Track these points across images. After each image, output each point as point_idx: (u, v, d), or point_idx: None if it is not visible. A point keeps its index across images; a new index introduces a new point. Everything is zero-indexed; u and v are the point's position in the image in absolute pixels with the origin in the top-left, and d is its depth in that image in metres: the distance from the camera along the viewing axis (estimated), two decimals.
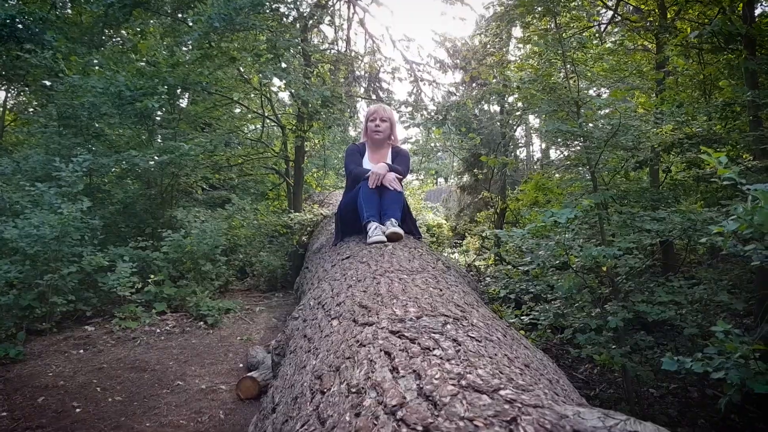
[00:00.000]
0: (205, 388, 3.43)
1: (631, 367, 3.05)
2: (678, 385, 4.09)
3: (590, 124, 3.26)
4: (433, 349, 1.14)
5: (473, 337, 1.27)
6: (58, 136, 5.34)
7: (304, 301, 2.45)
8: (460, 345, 1.18)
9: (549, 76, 3.32)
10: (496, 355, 1.18)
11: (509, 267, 5.06)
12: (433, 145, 11.15)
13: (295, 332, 2.14)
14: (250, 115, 8.50)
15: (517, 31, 9.48)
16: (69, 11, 8.33)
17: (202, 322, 4.70)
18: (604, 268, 2.97)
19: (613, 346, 3.18)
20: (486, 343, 1.26)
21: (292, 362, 1.75)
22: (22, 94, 8.93)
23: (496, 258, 7.17)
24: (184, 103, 7.59)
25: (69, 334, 4.31)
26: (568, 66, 3.29)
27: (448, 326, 1.34)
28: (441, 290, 1.95)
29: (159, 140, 5.95)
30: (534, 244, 2.91)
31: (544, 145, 15.28)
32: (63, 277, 4.32)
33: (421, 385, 0.93)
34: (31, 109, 8.41)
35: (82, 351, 4.01)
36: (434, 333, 1.27)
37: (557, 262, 2.96)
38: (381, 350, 1.19)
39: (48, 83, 6.18)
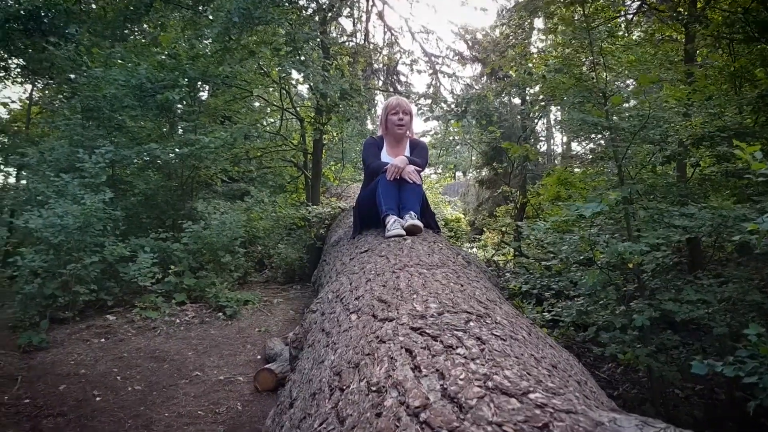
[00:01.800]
0: (223, 379, 3.44)
1: (657, 367, 2.96)
2: (704, 386, 3.98)
3: (616, 117, 3.16)
4: (457, 347, 1.09)
5: (498, 336, 1.22)
6: (81, 128, 5.39)
7: (321, 295, 2.42)
8: (484, 343, 1.13)
9: (576, 65, 3.22)
10: (522, 354, 1.13)
11: (530, 261, 4.96)
12: (451, 138, 11.02)
13: (313, 325, 2.11)
14: (269, 109, 8.51)
15: (539, 23, 9.33)
16: (93, 6, 8.41)
17: (221, 313, 4.72)
18: (631, 265, 2.88)
19: (638, 345, 3.09)
20: (511, 341, 1.21)
21: (310, 356, 1.72)
22: (47, 87, 9.05)
23: (516, 252, 7.07)
24: (204, 95, 7.65)
25: (91, 323, 4.36)
26: (596, 56, 3.19)
27: (471, 323, 1.29)
28: (462, 286, 1.90)
29: (180, 132, 5.98)
30: (558, 238, 2.84)
31: (565, 139, 15.06)
32: (85, 267, 4.37)
33: (445, 386, 0.89)
34: (57, 102, 8.52)
35: (103, 340, 4.06)
36: (457, 330, 1.22)
37: (581, 257, 2.88)
38: (402, 347, 1.15)
39: (72, 76, 6.25)
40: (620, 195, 2.67)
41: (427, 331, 1.23)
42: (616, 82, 3.49)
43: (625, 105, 3.67)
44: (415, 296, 1.64)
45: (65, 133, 5.50)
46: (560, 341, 3.57)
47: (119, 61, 5.55)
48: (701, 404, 3.73)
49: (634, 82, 4.11)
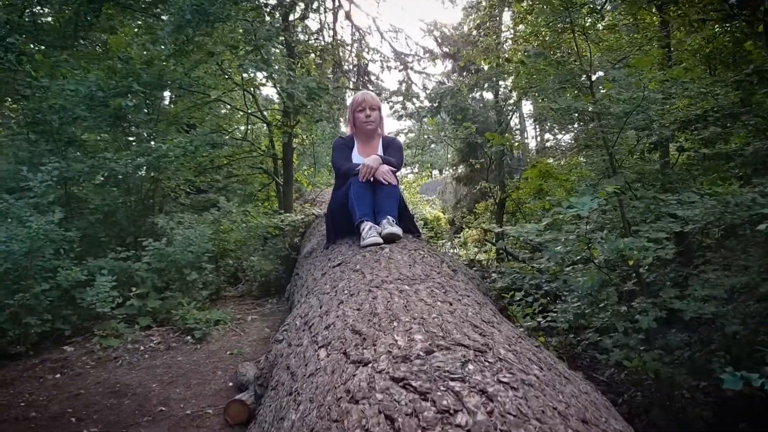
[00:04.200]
0: (191, 413, 3.09)
1: (666, 371, 2.72)
2: (709, 383, 3.76)
3: (605, 100, 2.91)
4: (455, 411, 0.79)
5: (507, 383, 0.93)
6: (27, 144, 4.95)
7: (289, 320, 2.10)
8: (492, 401, 0.83)
9: (557, 48, 2.96)
10: (543, 412, 0.83)
11: (522, 264, 4.69)
12: (426, 136, 10.78)
13: (279, 359, 1.80)
14: (236, 114, 8.11)
15: (507, 18, 9.11)
16: (50, 19, 7.94)
17: (189, 336, 4.34)
18: (631, 262, 2.63)
19: (642, 348, 2.85)
20: (525, 390, 0.92)
21: (272, 405, 1.41)
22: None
23: (501, 252, 6.82)
24: (166, 103, 7.22)
25: (46, 357, 3.95)
26: (578, 37, 2.94)
27: (470, 366, 0.99)
28: (451, 305, 1.60)
29: (135, 141, 5.57)
30: (552, 239, 2.57)
31: (539, 131, 14.96)
32: (36, 296, 3.96)
33: None
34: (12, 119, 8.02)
35: (58, 375, 3.66)
36: (453, 379, 0.92)
37: (578, 257, 2.62)
38: (380, 412, 0.85)
39: (22, 89, 5.78)
40: (617, 186, 2.41)
41: (412, 383, 0.92)
42: (599, 65, 3.23)
43: (604, 91, 3.44)
44: (395, 324, 1.34)
45: (11, 150, 5.05)
46: (559, 351, 3.30)
47: (68, 69, 5.12)
48: (709, 403, 3.50)
49: (613, 67, 3.86)
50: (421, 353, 1.07)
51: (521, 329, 2.63)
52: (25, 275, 4.03)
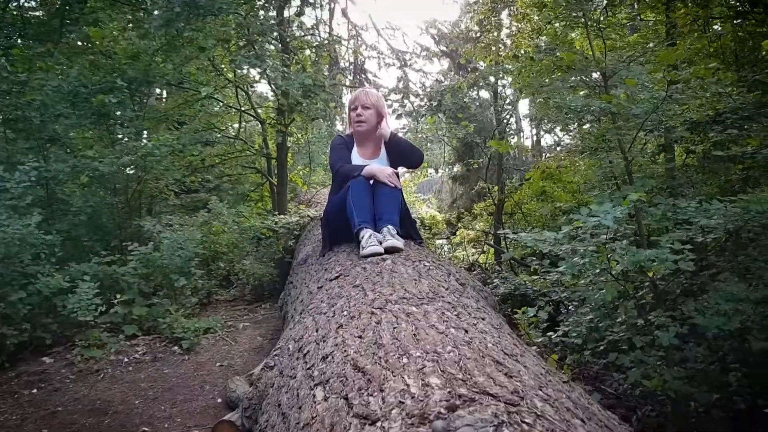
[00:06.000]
0: None
1: (686, 389, 2.53)
2: (721, 395, 3.59)
3: (621, 98, 2.71)
4: None
5: None
6: (4, 142, 4.70)
7: (281, 343, 1.89)
8: None
9: (569, 43, 2.78)
10: None
11: (531, 275, 4.49)
12: (423, 135, 10.57)
13: (270, 390, 1.59)
14: (229, 112, 7.87)
15: (504, 15, 8.91)
16: (39, 13, 7.69)
17: (176, 347, 4.12)
18: (650, 273, 2.44)
19: (658, 363, 2.67)
20: None
21: None
22: None
23: (501, 254, 6.63)
24: (155, 100, 6.98)
25: (23, 369, 3.71)
26: (592, 32, 2.75)
27: (506, 431, 0.79)
28: (466, 331, 1.40)
29: (122, 138, 5.32)
30: (568, 248, 2.38)
31: (535, 131, 14.79)
32: (13, 304, 3.72)
33: None
34: None
35: (35, 390, 3.42)
36: None
37: (597, 270, 2.43)
38: None
39: None
40: (641, 193, 2.21)
41: None
42: (613, 63, 3.03)
43: (620, 91, 3.26)
44: (406, 361, 1.14)
45: None
46: (574, 370, 3.10)
47: (49, 64, 4.87)
48: (723, 418, 3.33)
49: (628, 65, 3.67)
50: (441, 409, 0.87)
51: (534, 348, 2.45)
52: (1, 282, 3.79)
